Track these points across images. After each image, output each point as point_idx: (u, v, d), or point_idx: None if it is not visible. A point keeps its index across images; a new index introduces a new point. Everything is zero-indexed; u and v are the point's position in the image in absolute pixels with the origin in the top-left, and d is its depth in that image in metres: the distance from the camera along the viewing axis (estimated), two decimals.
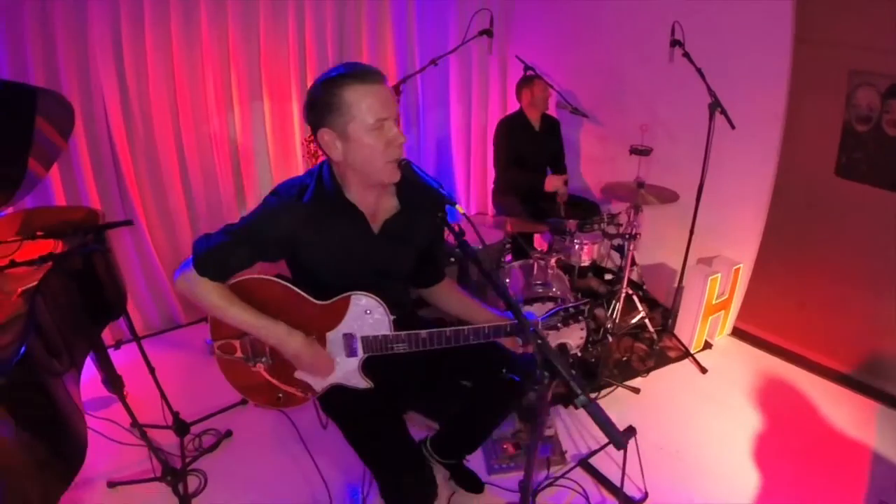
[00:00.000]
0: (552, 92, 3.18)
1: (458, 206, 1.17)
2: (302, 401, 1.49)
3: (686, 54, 2.36)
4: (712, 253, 2.80)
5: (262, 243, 1.33)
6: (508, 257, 2.93)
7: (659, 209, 2.86)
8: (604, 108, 3.28)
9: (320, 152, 2.64)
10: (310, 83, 2.79)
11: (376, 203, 1.38)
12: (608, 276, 3.21)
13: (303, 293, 1.38)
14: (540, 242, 3.28)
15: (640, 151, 2.82)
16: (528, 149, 3.13)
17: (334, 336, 1.39)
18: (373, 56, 3.12)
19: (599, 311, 2.92)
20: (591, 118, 3.28)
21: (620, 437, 0.84)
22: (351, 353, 1.41)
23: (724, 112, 2.34)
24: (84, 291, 1.75)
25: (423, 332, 1.36)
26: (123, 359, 2.32)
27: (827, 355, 2.57)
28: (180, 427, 2.14)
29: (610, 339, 2.66)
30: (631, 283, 3.19)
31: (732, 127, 2.34)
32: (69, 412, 1.36)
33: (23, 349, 1.21)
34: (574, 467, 2.04)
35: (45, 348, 1.36)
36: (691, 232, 2.58)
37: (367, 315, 1.37)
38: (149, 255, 2.72)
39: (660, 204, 2.50)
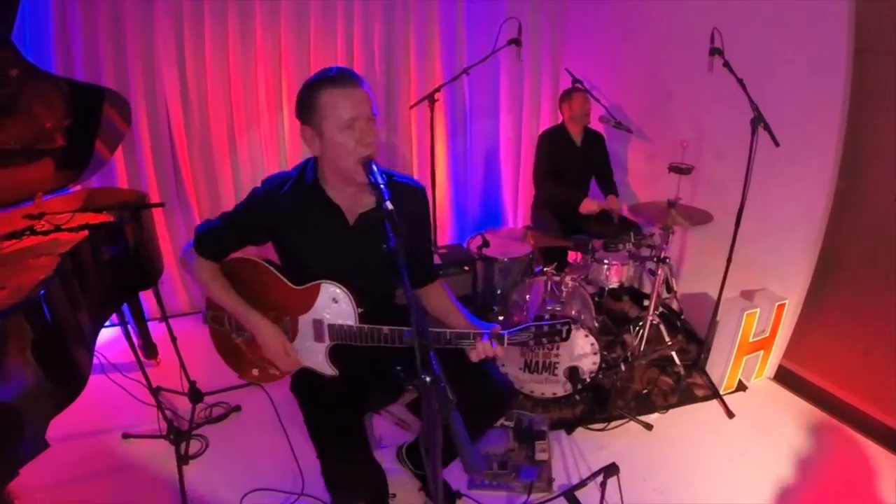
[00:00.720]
0: (596, 105, 3.08)
1: (388, 203, 1.18)
2: (274, 378, 1.58)
3: (726, 63, 2.17)
4: (758, 285, 2.52)
5: (247, 229, 1.49)
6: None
7: (702, 233, 2.64)
8: (650, 121, 3.10)
9: None
10: None
11: (354, 197, 1.45)
12: (646, 302, 2.99)
13: (282, 276, 1.49)
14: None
15: (680, 170, 2.62)
16: (569, 163, 3.05)
17: (306, 320, 1.46)
18: (420, 61, 3.20)
19: (629, 338, 2.73)
20: (636, 133, 3.11)
21: (474, 461, 0.80)
22: (319, 338, 1.47)
23: (767, 127, 2.12)
24: (118, 259, 2.02)
25: (386, 329, 1.38)
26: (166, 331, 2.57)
27: (886, 411, 2.18)
28: (195, 394, 2.33)
29: (622, 367, 2.48)
30: (669, 312, 2.96)
31: (776, 144, 2.11)
32: (83, 365, 1.59)
33: (43, 291, 1.44)
34: (557, 497, 1.92)
35: (67, 297, 1.59)
36: (728, 260, 2.34)
37: (334, 304, 1.43)
38: None
39: (692, 226, 2.31)
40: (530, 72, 3.53)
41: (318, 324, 1.45)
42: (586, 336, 2.27)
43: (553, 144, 3.04)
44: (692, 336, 2.88)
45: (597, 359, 2.31)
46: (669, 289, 2.86)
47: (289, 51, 2.89)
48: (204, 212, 3.02)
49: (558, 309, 2.33)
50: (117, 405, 2.37)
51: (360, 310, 1.43)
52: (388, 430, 2.10)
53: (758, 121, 2.14)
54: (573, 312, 2.36)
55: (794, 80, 2.26)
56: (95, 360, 1.97)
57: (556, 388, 2.38)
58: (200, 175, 2.94)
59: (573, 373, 2.32)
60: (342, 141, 1.30)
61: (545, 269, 2.46)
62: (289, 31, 2.85)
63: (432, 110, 2.74)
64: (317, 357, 1.49)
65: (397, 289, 1.64)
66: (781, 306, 2.39)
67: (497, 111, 3.62)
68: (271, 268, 1.51)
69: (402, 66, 3.21)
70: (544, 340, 1.43)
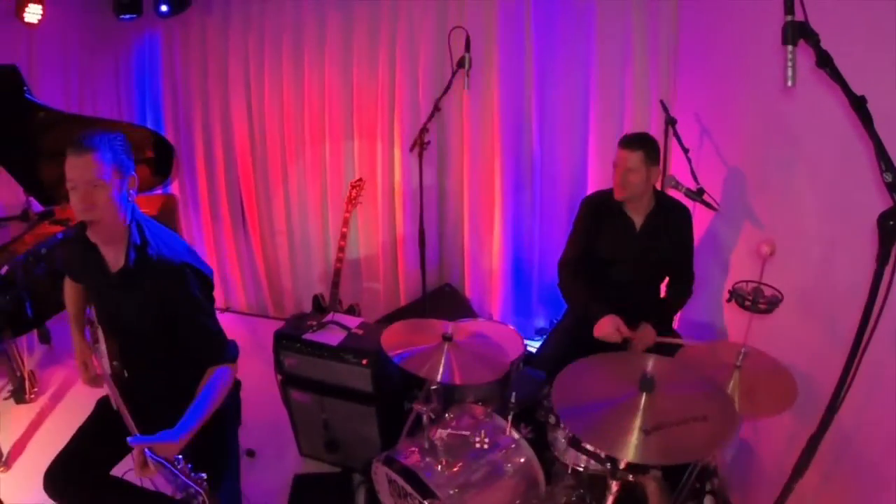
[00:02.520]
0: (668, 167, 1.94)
1: None
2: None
3: (824, 59, 0.97)
4: None
5: None
6: None
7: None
8: (758, 195, 1.74)
9: (358, 199, 2.60)
10: (398, 124, 2.92)
11: (116, 253, 1.45)
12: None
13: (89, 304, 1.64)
14: None
15: (752, 304, 1.34)
16: (616, 253, 1.98)
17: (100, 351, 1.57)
18: (475, 96, 2.70)
19: None
20: (733, 212, 1.80)
21: None
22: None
23: None
24: None
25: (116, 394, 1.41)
26: None
27: None
28: None
29: None
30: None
31: None
32: None
33: None
34: None
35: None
36: None
37: (100, 345, 1.51)
38: (251, 251, 3.40)
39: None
40: (633, 106, 2.50)
41: (101, 356, 1.53)
42: None
43: (598, 219, 2.00)
44: None
45: None
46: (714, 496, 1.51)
47: (332, 93, 2.96)
48: (263, 227, 3.33)
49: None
50: None
51: (114, 362, 1.48)
52: None
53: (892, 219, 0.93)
54: (451, 490, 1.49)
55: None
56: None
57: None
58: (262, 196, 3.29)
59: None
60: (72, 202, 1.37)
61: (416, 406, 1.66)
62: (333, 76, 2.93)
63: (421, 156, 2.25)
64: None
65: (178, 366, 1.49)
66: None
67: (585, 158, 2.72)
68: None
69: (455, 104, 2.77)
70: (183, 495, 1.21)
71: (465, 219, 2.94)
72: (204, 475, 1.22)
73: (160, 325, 1.45)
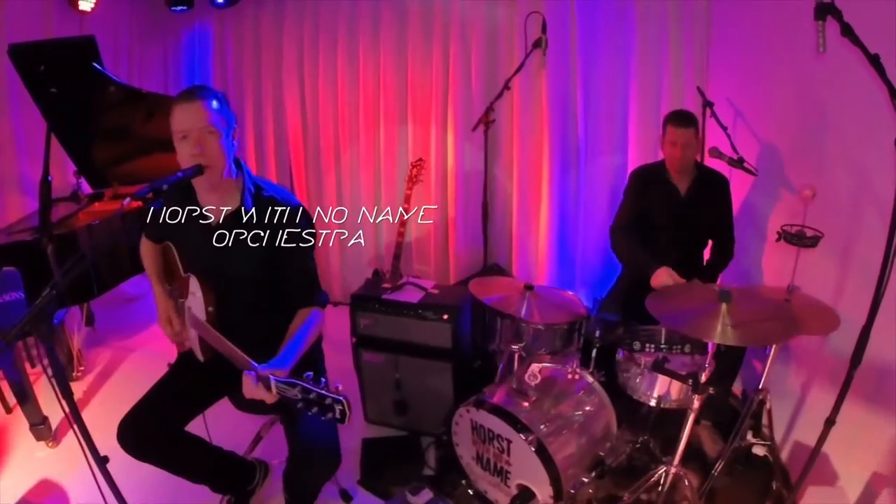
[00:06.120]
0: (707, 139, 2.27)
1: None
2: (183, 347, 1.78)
3: (847, 30, 1.27)
4: None
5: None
6: None
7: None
8: (796, 161, 2.07)
9: (420, 177, 2.80)
10: (451, 109, 3.22)
11: (219, 202, 1.57)
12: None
13: (178, 262, 1.69)
14: None
15: (799, 239, 1.68)
16: (663, 218, 2.34)
17: (185, 304, 1.64)
18: (524, 84, 3.02)
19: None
20: (774, 177, 2.15)
21: None
22: (190, 324, 1.61)
23: None
24: None
25: (215, 333, 1.45)
26: None
27: None
28: None
29: None
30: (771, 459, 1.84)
31: None
32: None
33: None
34: None
35: None
36: None
37: (193, 296, 1.58)
38: None
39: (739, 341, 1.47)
40: (669, 93, 2.87)
41: (188, 310, 1.61)
42: (536, 456, 1.71)
43: (646, 187, 2.37)
44: None
45: (550, 490, 1.73)
46: (757, 431, 1.82)
47: (387, 80, 3.28)
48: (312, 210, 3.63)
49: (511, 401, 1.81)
50: None
51: (210, 308, 1.55)
52: None
53: None
54: (542, 426, 1.77)
55: None
56: None
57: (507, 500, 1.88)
58: (312, 179, 3.62)
59: (524, 495, 1.82)
60: (184, 150, 1.46)
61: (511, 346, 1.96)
62: (388, 63, 3.25)
63: (486, 134, 2.57)
64: (192, 340, 1.65)
65: (272, 310, 1.63)
66: None
67: (625, 144, 3.08)
68: (176, 254, 1.71)
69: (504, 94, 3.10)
70: (315, 409, 1.21)
71: (513, 202, 3.26)
72: (339, 384, 1.22)
73: (265, 267, 1.57)
